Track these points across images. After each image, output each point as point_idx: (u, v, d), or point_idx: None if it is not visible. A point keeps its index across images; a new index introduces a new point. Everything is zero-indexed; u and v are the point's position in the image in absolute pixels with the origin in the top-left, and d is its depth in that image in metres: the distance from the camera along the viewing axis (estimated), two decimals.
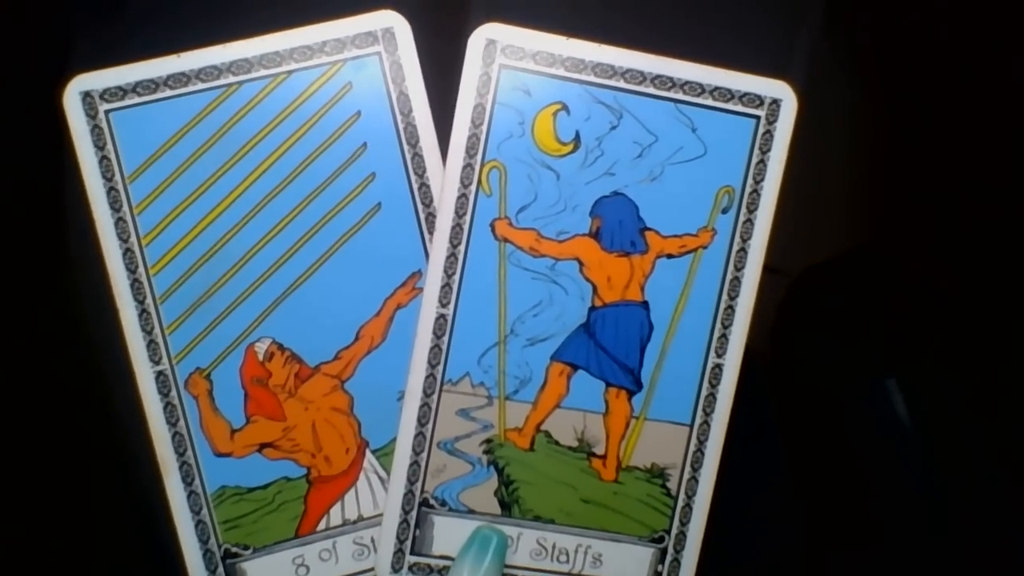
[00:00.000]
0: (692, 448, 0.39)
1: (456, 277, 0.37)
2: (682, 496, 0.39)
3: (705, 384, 0.38)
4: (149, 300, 0.37)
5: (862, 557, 0.41)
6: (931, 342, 0.41)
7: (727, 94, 0.38)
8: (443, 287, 0.37)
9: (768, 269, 0.38)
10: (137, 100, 0.36)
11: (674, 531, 0.39)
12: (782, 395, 0.40)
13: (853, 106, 0.40)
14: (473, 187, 0.37)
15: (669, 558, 0.39)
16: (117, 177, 0.36)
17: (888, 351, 0.41)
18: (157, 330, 0.37)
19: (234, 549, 0.38)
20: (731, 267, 0.38)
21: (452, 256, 0.37)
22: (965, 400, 0.41)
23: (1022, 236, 0.41)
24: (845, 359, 0.41)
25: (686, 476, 0.39)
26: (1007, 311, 0.41)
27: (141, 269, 0.37)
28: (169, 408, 0.37)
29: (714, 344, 0.38)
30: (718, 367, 0.38)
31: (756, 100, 0.38)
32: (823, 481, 0.41)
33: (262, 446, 0.37)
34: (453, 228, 0.37)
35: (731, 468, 0.39)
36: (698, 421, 0.39)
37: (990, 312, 0.41)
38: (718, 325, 0.38)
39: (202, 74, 0.36)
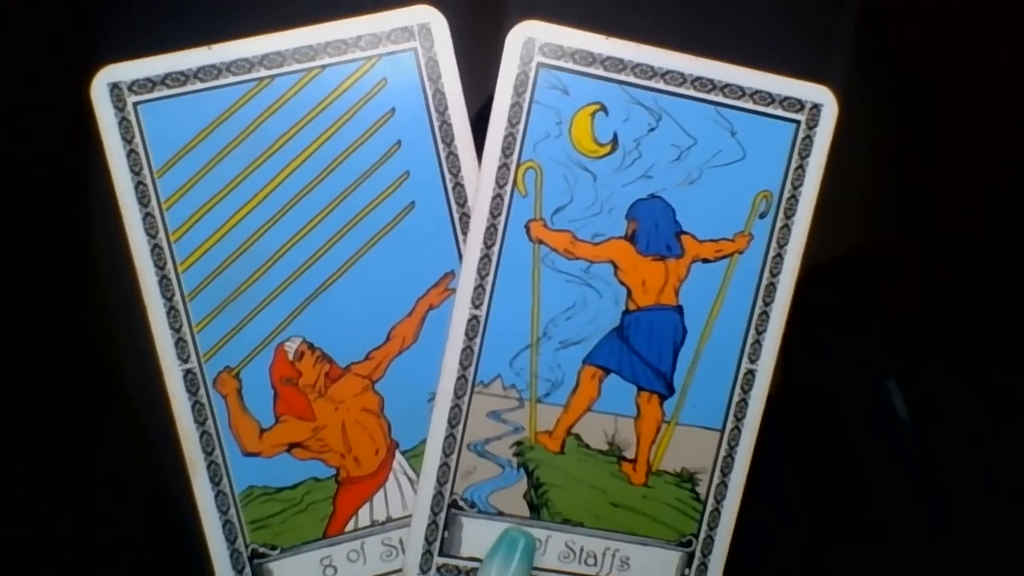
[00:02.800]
0: (722, 453, 0.39)
1: (489, 278, 0.38)
2: (711, 501, 0.40)
3: (737, 389, 0.39)
4: (177, 297, 0.37)
5: (862, 557, 0.42)
6: (931, 342, 0.42)
7: (767, 98, 0.38)
8: (476, 288, 0.38)
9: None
10: (166, 92, 0.36)
11: (702, 535, 0.40)
12: (783, 395, 0.41)
13: (893, 112, 0.40)
14: (508, 187, 0.38)
15: (696, 562, 0.40)
16: (145, 171, 0.36)
17: (888, 351, 0.42)
18: (185, 328, 0.37)
19: (261, 549, 0.38)
20: (767, 273, 0.39)
21: (486, 257, 0.38)
22: (965, 400, 0.42)
23: (1022, 236, 0.42)
24: (845, 359, 0.42)
25: (715, 481, 0.39)
26: (1007, 311, 0.42)
27: (169, 265, 0.37)
28: (197, 407, 0.37)
29: (747, 350, 0.39)
30: (751, 373, 0.39)
31: (796, 104, 0.38)
32: (823, 481, 0.42)
33: (291, 446, 0.38)
34: (487, 229, 0.38)
35: (760, 473, 0.39)
36: (729, 426, 0.39)
37: (990, 312, 0.42)
38: (752, 331, 0.39)
39: (233, 67, 0.36)
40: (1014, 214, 0.42)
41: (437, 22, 0.37)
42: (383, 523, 0.39)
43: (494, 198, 0.38)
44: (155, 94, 0.36)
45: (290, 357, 0.38)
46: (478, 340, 0.38)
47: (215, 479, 0.38)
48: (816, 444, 0.42)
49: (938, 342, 0.42)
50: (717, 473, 0.40)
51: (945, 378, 0.42)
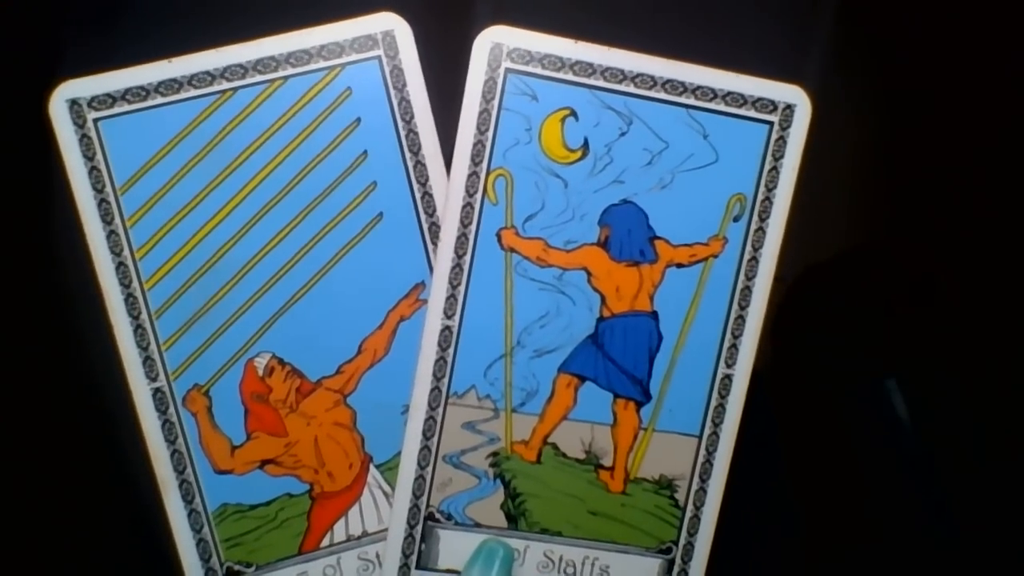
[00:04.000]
0: (701, 459, 0.40)
1: (461, 288, 0.38)
2: (690, 507, 0.40)
3: (714, 395, 0.39)
4: (144, 315, 0.37)
5: (861, 557, 0.43)
6: (931, 342, 0.42)
7: (740, 99, 0.38)
8: (448, 298, 0.38)
9: (776, 279, 0.39)
10: (127, 108, 0.36)
11: (682, 542, 0.40)
12: (782, 396, 0.42)
13: (867, 112, 0.41)
14: (479, 196, 0.38)
15: (676, 569, 0.40)
16: (108, 188, 0.37)
17: (888, 351, 0.42)
18: (153, 346, 0.37)
19: (236, 567, 0.38)
20: (742, 276, 0.39)
21: (457, 267, 0.38)
22: (965, 400, 0.42)
23: (1022, 236, 0.42)
24: (845, 359, 0.42)
25: (694, 487, 0.40)
26: (1007, 311, 0.42)
27: (135, 283, 0.37)
28: (167, 425, 0.38)
29: (724, 354, 0.39)
30: (728, 377, 0.39)
31: (769, 105, 0.38)
32: (823, 481, 0.43)
33: (263, 462, 0.38)
34: (458, 238, 0.38)
35: (739, 478, 0.40)
36: (707, 432, 0.40)
37: (990, 312, 0.42)
38: (728, 335, 0.39)
39: (194, 80, 0.36)
40: (1005, 211, 0.42)
41: (401, 29, 0.37)
42: (359, 537, 0.39)
43: (464, 207, 0.38)
44: (115, 110, 0.36)
45: (260, 373, 0.38)
46: (451, 351, 0.38)
47: (187, 497, 0.38)
48: (815, 444, 0.42)
49: (938, 342, 0.42)
50: (696, 479, 0.40)
51: (945, 378, 0.42)
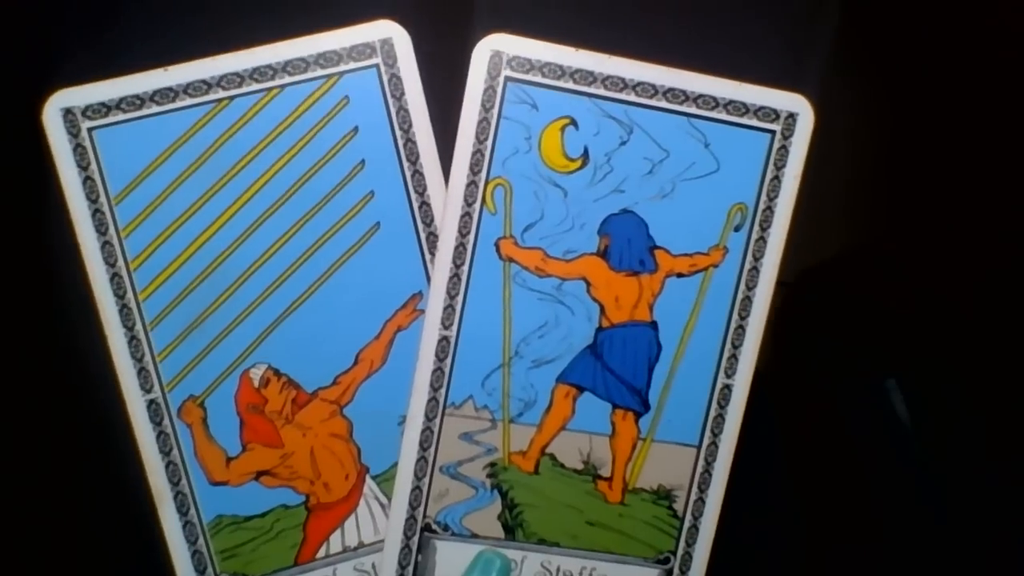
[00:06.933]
0: (699, 469, 0.42)
1: (459, 298, 0.40)
2: (688, 517, 0.42)
3: (714, 405, 0.41)
4: (139, 326, 0.39)
5: (862, 557, 0.45)
6: (931, 342, 0.44)
7: (742, 108, 0.40)
8: (446, 308, 0.40)
9: (780, 283, 0.41)
10: (122, 117, 0.38)
11: (680, 552, 0.42)
12: (782, 396, 0.44)
13: (870, 120, 0.42)
14: (477, 205, 0.40)
15: None
16: (102, 199, 0.38)
17: (888, 351, 0.44)
18: (148, 357, 0.39)
19: None
20: (743, 286, 0.41)
21: (455, 276, 0.40)
22: (965, 400, 0.44)
23: (1022, 236, 0.44)
24: (845, 359, 0.44)
25: (693, 497, 0.42)
26: (1007, 311, 0.44)
27: (130, 294, 0.39)
28: (162, 437, 0.39)
29: (723, 364, 0.41)
30: (727, 387, 0.41)
31: (771, 114, 0.40)
32: (823, 481, 0.45)
33: (259, 474, 0.40)
34: (456, 248, 0.40)
35: (738, 487, 0.42)
36: (706, 442, 0.42)
37: (990, 312, 0.44)
38: (728, 345, 0.41)
39: (190, 89, 0.38)
40: (1007, 216, 0.44)
41: (400, 37, 0.39)
42: (355, 548, 0.41)
43: (462, 216, 0.40)
44: (110, 119, 0.38)
45: (255, 384, 0.40)
46: (448, 361, 0.40)
47: (182, 509, 0.40)
48: (816, 444, 0.44)
49: (938, 342, 0.44)
50: (694, 489, 0.42)
51: (945, 378, 0.44)
